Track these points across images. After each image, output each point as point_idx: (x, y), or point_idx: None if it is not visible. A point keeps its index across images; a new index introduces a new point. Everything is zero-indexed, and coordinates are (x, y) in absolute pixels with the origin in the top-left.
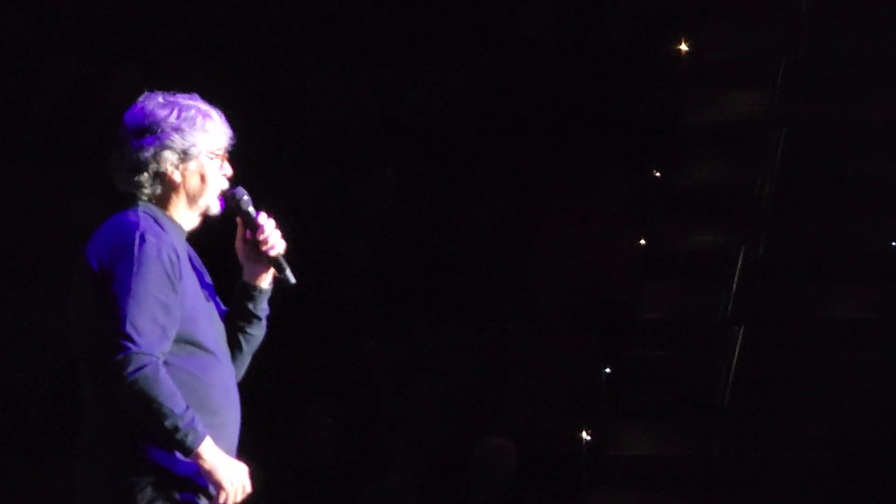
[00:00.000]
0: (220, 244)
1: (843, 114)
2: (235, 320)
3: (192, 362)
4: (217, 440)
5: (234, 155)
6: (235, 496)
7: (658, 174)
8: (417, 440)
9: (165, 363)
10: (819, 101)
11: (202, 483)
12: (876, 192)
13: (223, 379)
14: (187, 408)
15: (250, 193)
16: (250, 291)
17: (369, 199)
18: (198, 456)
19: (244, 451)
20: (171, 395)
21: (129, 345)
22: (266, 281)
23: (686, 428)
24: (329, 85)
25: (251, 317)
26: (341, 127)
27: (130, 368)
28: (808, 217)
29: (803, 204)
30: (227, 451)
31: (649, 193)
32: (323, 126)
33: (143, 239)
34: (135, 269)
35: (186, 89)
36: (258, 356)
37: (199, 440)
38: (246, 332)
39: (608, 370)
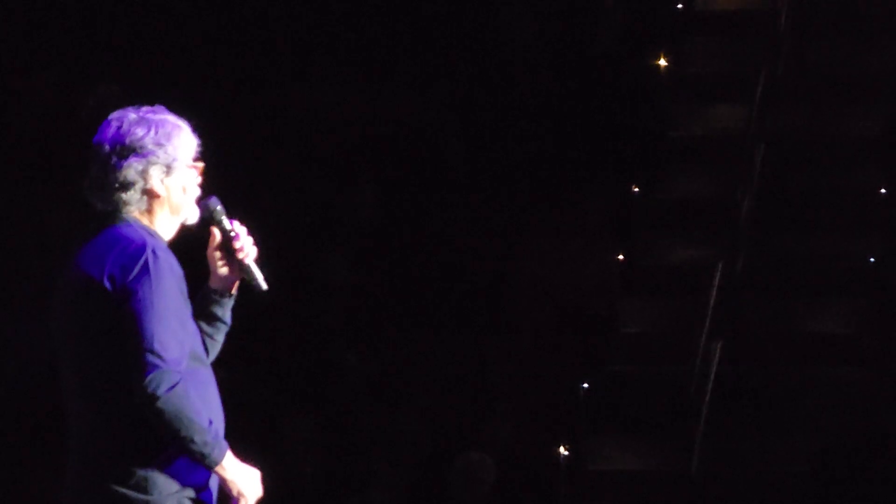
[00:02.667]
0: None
1: (821, 129)
2: (203, 327)
3: (196, 377)
4: None
5: (211, 165)
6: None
7: (637, 189)
8: (397, 454)
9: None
10: (798, 117)
11: (201, 496)
12: (854, 207)
13: (214, 392)
14: (210, 421)
15: (229, 206)
16: (220, 298)
17: (350, 212)
18: (221, 467)
19: None
20: (198, 410)
21: (159, 362)
22: (234, 287)
23: (664, 442)
24: (310, 99)
25: (219, 322)
26: (323, 140)
27: (164, 387)
28: (787, 232)
29: (782, 219)
30: None
31: (628, 208)
32: (304, 139)
33: (155, 254)
34: (154, 285)
35: (168, 104)
36: (239, 369)
37: (224, 452)
38: (213, 339)
39: (586, 385)
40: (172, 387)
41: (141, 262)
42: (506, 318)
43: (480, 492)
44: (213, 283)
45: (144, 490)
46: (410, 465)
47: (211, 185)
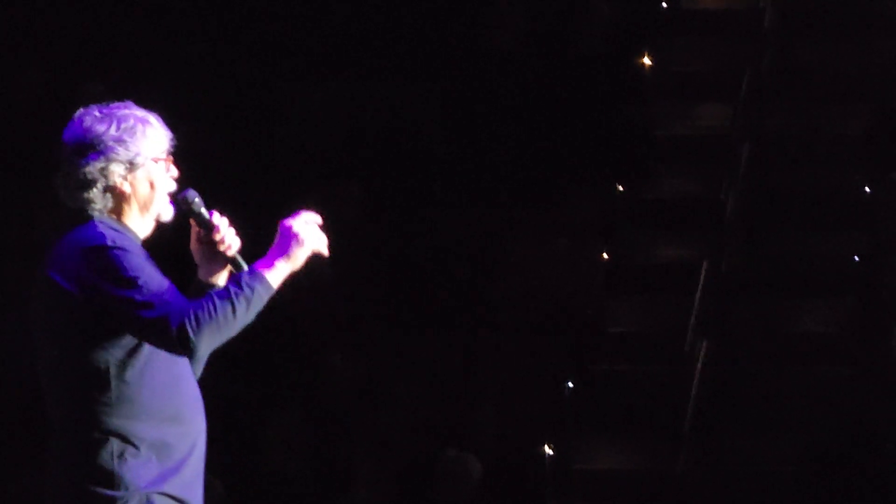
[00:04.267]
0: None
1: (806, 128)
2: None
3: (170, 372)
4: (190, 449)
5: (185, 159)
6: (322, 243)
7: (622, 188)
8: (382, 453)
9: (145, 371)
10: (783, 116)
11: (176, 495)
12: (840, 206)
13: (191, 389)
14: (230, 293)
15: (213, 202)
16: (209, 290)
17: (334, 210)
18: (282, 271)
19: (209, 465)
20: (218, 306)
21: (157, 314)
22: (223, 279)
23: (650, 442)
24: (295, 97)
25: None
26: (307, 139)
27: (187, 332)
28: (772, 231)
29: (767, 218)
30: (199, 460)
31: (614, 207)
32: (289, 138)
33: (113, 241)
34: (118, 263)
35: (152, 101)
36: (223, 369)
37: (268, 282)
38: None
39: (571, 384)
40: (186, 323)
41: (98, 250)
42: (491, 317)
43: (465, 491)
44: (202, 276)
45: (113, 486)
46: (395, 464)
47: (195, 182)
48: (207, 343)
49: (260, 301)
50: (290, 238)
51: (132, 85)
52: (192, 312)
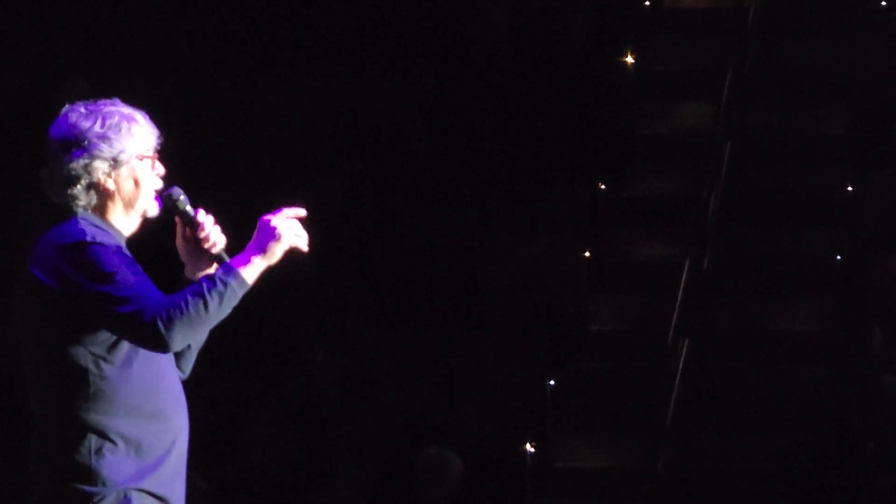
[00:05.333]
0: (159, 244)
1: (788, 127)
2: None
3: (148, 369)
4: (170, 446)
5: (181, 161)
6: (302, 239)
7: (604, 186)
8: (364, 451)
9: (124, 368)
10: (765, 115)
11: (155, 491)
12: (821, 205)
13: (172, 385)
14: (203, 288)
15: (195, 199)
16: (205, 275)
17: (317, 208)
18: (258, 266)
19: (190, 462)
20: (190, 302)
21: (134, 306)
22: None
23: (631, 440)
24: (280, 94)
25: None
26: (291, 135)
27: (159, 327)
28: (754, 230)
29: (749, 217)
30: (179, 457)
31: (596, 206)
32: (272, 134)
33: (93, 237)
34: (96, 258)
35: (135, 97)
36: (206, 367)
37: (242, 277)
38: None
39: (553, 382)
40: (158, 319)
41: (77, 247)
42: (473, 315)
43: (447, 489)
44: (188, 273)
45: (90, 482)
46: (377, 461)
47: (178, 179)
48: (181, 338)
49: (234, 296)
50: (267, 233)
51: (116, 81)
52: (164, 308)
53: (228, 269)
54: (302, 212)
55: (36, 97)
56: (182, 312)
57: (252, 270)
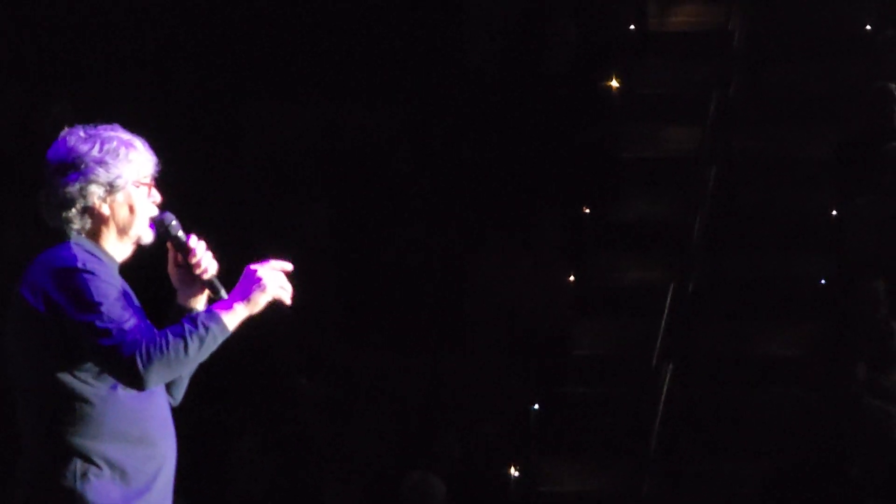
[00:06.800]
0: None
1: (773, 151)
2: None
3: (137, 395)
4: (156, 473)
5: (166, 184)
6: (286, 292)
7: (589, 210)
8: (349, 476)
9: (112, 392)
10: (750, 139)
11: None
12: (806, 229)
13: (160, 411)
14: (184, 330)
15: (181, 221)
16: (188, 314)
17: (301, 230)
18: (240, 314)
19: (176, 487)
20: (171, 343)
21: (115, 340)
22: (201, 303)
23: (616, 464)
24: (264, 117)
25: None
26: (275, 157)
27: (137, 366)
28: (739, 254)
29: (734, 240)
30: (166, 484)
31: (580, 229)
32: (256, 156)
33: (83, 264)
34: (83, 286)
35: (120, 121)
36: (189, 393)
37: (224, 324)
38: None
39: (537, 406)
40: (137, 356)
41: (67, 273)
42: (457, 339)
43: None
44: (180, 300)
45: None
46: (361, 485)
47: (164, 201)
48: (156, 377)
49: (214, 341)
50: (252, 282)
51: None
52: (144, 346)
53: (211, 314)
54: (289, 266)
55: (21, 122)
56: (162, 353)
57: (234, 317)
